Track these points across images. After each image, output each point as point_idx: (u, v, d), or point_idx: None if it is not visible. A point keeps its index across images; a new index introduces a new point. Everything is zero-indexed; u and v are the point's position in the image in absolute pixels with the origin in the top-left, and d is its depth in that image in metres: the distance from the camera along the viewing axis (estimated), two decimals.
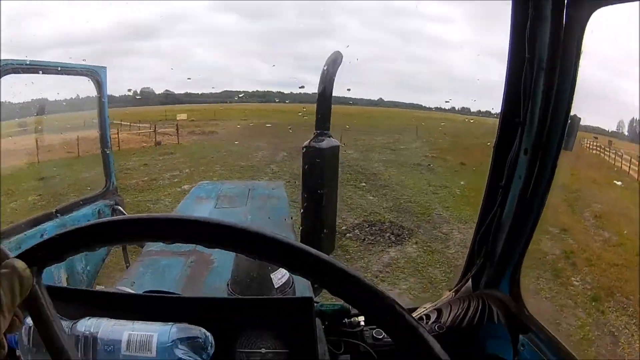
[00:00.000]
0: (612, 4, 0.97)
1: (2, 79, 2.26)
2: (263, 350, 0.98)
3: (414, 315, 1.19)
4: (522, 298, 1.29)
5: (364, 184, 12.67)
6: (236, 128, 20.89)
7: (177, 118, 21.93)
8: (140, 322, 0.85)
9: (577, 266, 7.42)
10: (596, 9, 0.99)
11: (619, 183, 13.65)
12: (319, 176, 1.27)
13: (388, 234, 9.11)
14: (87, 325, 0.82)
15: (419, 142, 19.04)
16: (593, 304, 6.22)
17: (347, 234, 8.93)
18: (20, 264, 0.52)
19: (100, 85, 3.13)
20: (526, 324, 1.22)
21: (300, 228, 1.29)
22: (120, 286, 1.49)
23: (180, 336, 0.82)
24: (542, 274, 6.89)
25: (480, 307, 1.29)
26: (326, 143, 1.22)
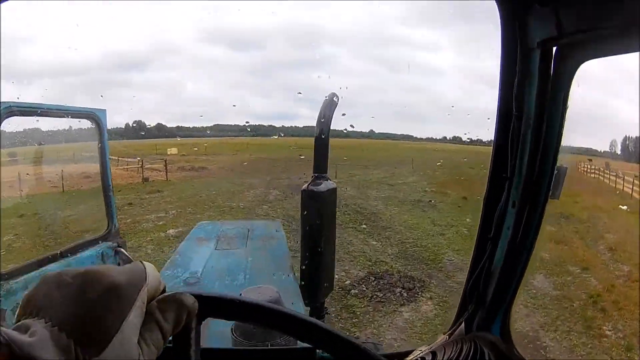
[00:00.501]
0: (599, 57, 1.06)
1: (3, 122, 2.39)
2: None
3: (409, 358, 1.36)
4: (512, 340, 1.40)
5: (364, 226, 12.34)
6: (227, 164, 21.02)
7: (168, 152, 22.36)
8: None
9: (606, 312, 7.33)
10: (583, 62, 1.08)
11: (624, 207, 14.02)
12: (317, 219, 1.36)
13: (399, 289, 8.44)
14: None
15: (416, 176, 19.20)
16: (628, 354, 6.22)
17: (352, 290, 8.34)
18: (190, 299, 0.61)
19: (100, 128, 3.31)
20: None
21: (301, 269, 1.37)
22: None
23: None
24: (573, 327, 6.83)
25: (472, 349, 1.38)
26: (324, 186, 1.32)
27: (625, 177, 17.40)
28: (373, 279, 8.90)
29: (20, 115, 2.63)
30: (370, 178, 19.27)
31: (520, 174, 1.21)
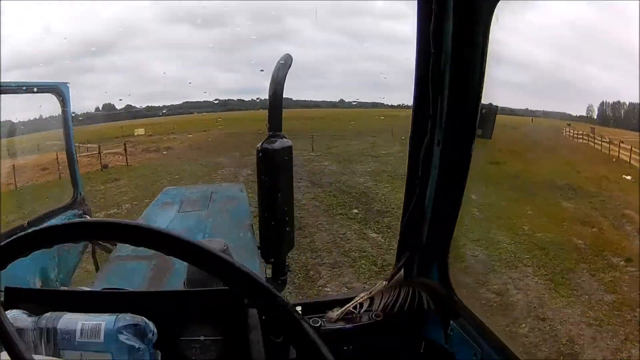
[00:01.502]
0: None
1: None
2: (202, 338, 1.30)
3: (350, 304, 1.51)
4: (452, 284, 1.52)
5: (356, 211, 11.44)
6: (195, 142, 20.80)
7: (135, 134, 22.31)
8: (93, 314, 1.18)
9: None
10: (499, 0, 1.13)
11: (628, 178, 14.20)
12: (274, 177, 1.48)
13: None
14: (49, 319, 1.16)
15: (399, 145, 18.22)
16: None
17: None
18: None
19: (64, 101, 3.63)
20: (456, 310, 1.46)
21: (260, 227, 1.49)
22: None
23: (124, 324, 1.15)
24: None
25: (410, 295, 1.52)
26: (279, 144, 1.44)
27: (622, 145, 17.86)
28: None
29: None
30: (350, 150, 18.92)
31: (442, 112, 1.29)
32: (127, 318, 1.16)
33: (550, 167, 15.70)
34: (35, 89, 3.50)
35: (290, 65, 1.56)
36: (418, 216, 1.48)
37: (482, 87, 1.23)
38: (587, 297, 7.10)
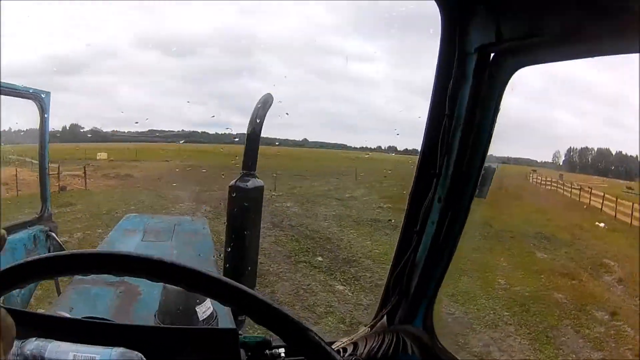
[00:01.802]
0: (534, 64, 1.21)
1: None
2: None
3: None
4: (435, 332, 1.55)
5: (320, 259, 10.95)
6: (156, 171, 20.42)
7: (97, 157, 22.06)
8: (83, 345, 1.14)
9: None
10: (518, 69, 1.23)
11: (601, 225, 15.08)
12: (243, 216, 1.51)
13: None
14: (35, 345, 1.11)
15: (363, 188, 18.89)
16: None
17: None
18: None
19: (43, 109, 3.61)
20: (439, 356, 1.49)
21: (224, 266, 1.50)
22: (59, 311, 1.83)
23: (120, 358, 1.12)
24: None
25: (394, 341, 1.54)
26: (252, 183, 1.48)
27: (593, 191, 18.47)
28: None
29: None
30: (313, 191, 18.80)
31: (448, 171, 1.37)
32: (123, 352, 1.15)
33: (521, 215, 16.29)
34: (17, 91, 3.47)
35: (270, 105, 1.62)
36: (411, 266, 1.53)
37: (488, 149, 1.33)
38: (574, 356, 7.10)
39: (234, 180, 1.54)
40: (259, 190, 1.56)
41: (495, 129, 1.30)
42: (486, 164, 1.39)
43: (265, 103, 1.65)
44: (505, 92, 1.26)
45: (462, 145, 1.33)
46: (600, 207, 17.31)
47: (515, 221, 15.39)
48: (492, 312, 8.28)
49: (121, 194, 17.50)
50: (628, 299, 9.05)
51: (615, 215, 15.91)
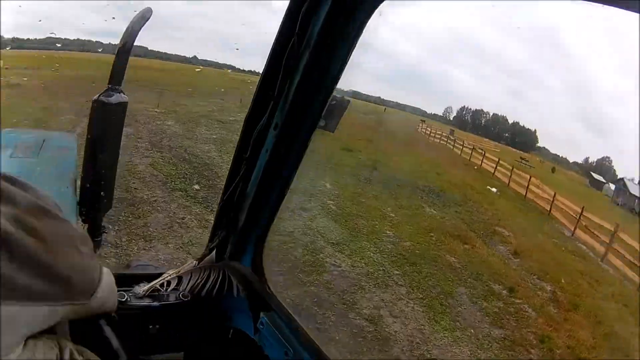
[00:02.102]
0: None
1: None
2: None
3: (157, 281, 1.48)
4: (265, 274, 1.54)
5: (196, 187, 10.17)
6: (44, 81, 18.67)
7: None
8: None
9: None
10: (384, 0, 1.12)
11: (493, 190, 15.48)
12: (103, 132, 1.44)
13: None
14: None
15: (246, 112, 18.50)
16: None
17: None
18: None
19: None
20: (267, 302, 1.47)
21: (81, 183, 1.43)
22: None
23: None
24: None
25: (220, 279, 1.52)
26: (115, 99, 1.40)
27: (486, 154, 19.54)
28: None
29: None
30: (197, 110, 17.91)
31: (288, 96, 1.28)
32: None
33: (409, 164, 16.77)
34: None
35: (148, 20, 1.55)
36: (239, 198, 1.46)
37: (338, 80, 1.24)
38: (472, 331, 6.81)
39: (98, 94, 1.46)
40: (123, 106, 1.49)
41: (355, 63, 1.21)
42: (339, 97, 1.34)
43: (142, 18, 1.57)
44: (370, 25, 1.16)
45: (308, 70, 1.23)
46: (492, 171, 17.89)
47: (404, 168, 15.48)
48: (381, 268, 7.93)
49: (6, 105, 15.79)
50: (526, 275, 9.03)
51: (509, 183, 16.36)
